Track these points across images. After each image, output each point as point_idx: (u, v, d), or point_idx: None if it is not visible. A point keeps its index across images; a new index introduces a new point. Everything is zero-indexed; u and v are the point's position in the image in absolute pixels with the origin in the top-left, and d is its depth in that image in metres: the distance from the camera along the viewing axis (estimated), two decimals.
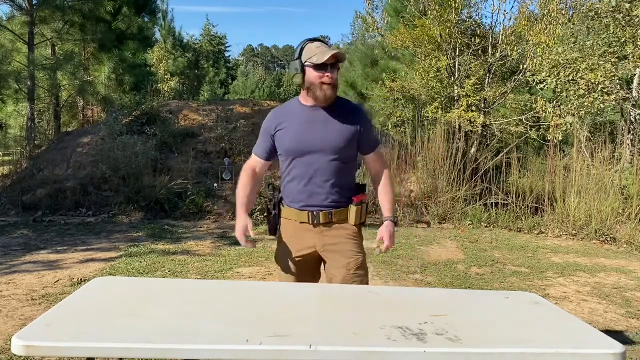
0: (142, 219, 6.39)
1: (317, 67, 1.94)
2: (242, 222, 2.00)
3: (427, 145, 7.20)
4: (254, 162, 2.14)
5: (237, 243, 5.71)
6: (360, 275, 2.05)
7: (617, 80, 7.26)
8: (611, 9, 6.95)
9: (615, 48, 7.12)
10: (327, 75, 1.94)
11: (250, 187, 2.10)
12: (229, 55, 31.74)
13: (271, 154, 2.12)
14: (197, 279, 3.91)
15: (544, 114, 7.60)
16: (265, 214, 2.20)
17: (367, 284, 2.10)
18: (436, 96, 8.44)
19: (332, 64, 1.94)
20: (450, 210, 6.85)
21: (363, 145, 2.07)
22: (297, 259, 2.07)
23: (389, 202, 2.10)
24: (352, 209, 2.03)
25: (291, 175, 2.06)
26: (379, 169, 2.12)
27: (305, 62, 1.96)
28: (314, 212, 2.02)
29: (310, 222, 2.03)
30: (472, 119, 7.67)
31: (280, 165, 2.12)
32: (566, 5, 7.90)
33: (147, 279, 3.62)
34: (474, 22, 8.71)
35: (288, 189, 2.08)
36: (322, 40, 2.02)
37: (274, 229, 2.15)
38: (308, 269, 2.11)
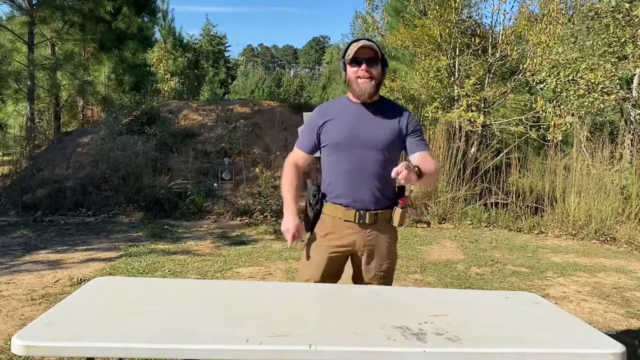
0: (142, 219, 6.39)
1: (352, 62, 1.97)
2: (292, 220, 2.03)
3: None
4: (297, 155, 2.13)
5: (237, 243, 5.70)
6: (386, 277, 2.08)
7: (617, 80, 7.26)
8: (611, 9, 6.95)
9: (615, 48, 7.11)
10: (361, 70, 1.95)
11: (296, 184, 2.10)
12: (229, 55, 31.75)
13: (314, 149, 2.10)
14: (197, 279, 3.90)
15: (544, 114, 7.60)
16: (304, 210, 2.14)
17: (390, 285, 2.12)
18: (436, 96, 8.45)
19: (368, 59, 1.95)
20: (450, 210, 6.85)
21: (412, 143, 2.03)
22: (330, 254, 2.05)
23: (428, 174, 1.89)
24: (397, 212, 2.02)
25: (337, 169, 2.03)
26: (430, 163, 1.96)
27: (344, 60, 2.01)
28: (361, 212, 2.00)
29: (356, 222, 2.01)
30: (472, 119, 7.67)
31: (324, 160, 2.09)
32: (566, 5, 7.90)
33: (147, 279, 3.62)
34: (474, 22, 8.71)
35: (332, 184, 2.06)
36: (367, 39, 2.02)
37: (312, 226, 2.12)
38: (336, 266, 2.09)
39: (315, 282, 2.07)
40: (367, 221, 2.00)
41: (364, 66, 1.95)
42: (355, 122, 2.01)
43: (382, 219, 2.03)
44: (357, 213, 2.00)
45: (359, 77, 1.96)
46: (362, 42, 1.95)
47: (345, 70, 2.02)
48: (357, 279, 2.12)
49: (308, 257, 2.12)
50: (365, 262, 2.07)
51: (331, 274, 2.08)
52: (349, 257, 2.12)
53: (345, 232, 2.04)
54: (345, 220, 2.02)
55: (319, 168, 2.14)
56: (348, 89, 2.05)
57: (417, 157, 2.01)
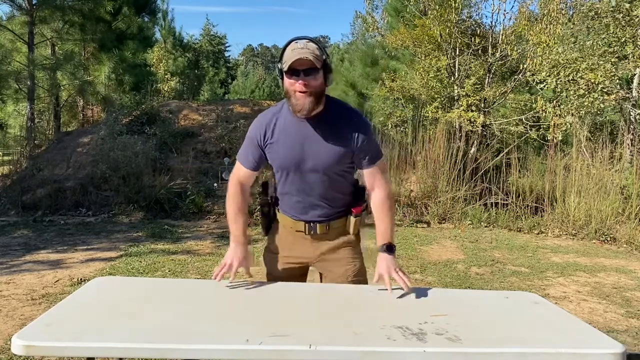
0: (142, 219, 6.39)
1: (289, 73, 1.68)
2: (239, 253, 1.93)
3: (427, 145, 7.20)
4: (241, 173, 1.94)
5: None
6: (360, 281, 2.00)
7: (617, 80, 7.26)
8: (611, 9, 6.95)
9: (615, 48, 7.12)
10: (299, 83, 1.67)
11: (243, 209, 1.97)
12: (229, 55, 31.76)
13: (260, 164, 1.91)
14: (197, 279, 3.90)
15: (544, 114, 7.60)
16: (259, 214, 2.08)
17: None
18: (436, 96, 8.45)
19: (306, 70, 1.66)
20: (450, 210, 6.85)
21: (359, 160, 1.84)
22: (285, 265, 2.00)
23: (384, 228, 1.87)
24: (352, 220, 1.92)
25: (285, 189, 1.92)
26: (375, 185, 1.87)
27: (281, 67, 1.70)
28: (311, 224, 1.90)
29: (307, 233, 1.92)
30: (472, 119, 7.67)
31: (275, 173, 1.96)
32: (566, 5, 7.90)
33: (147, 279, 3.62)
34: (474, 22, 8.72)
35: (283, 199, 1.96)
36: (309, 39, 1.72)
37: (267, 230, 2.08)
38: (293, 277, 2.01)
39: (272, 276, 2.04)
40: (318, 232, 1.91)
41: (300, 80, 1.66)
42: (299, 144, 1.79)
43: (334, 228, 1.93)
44: (307, 225, 1.91)
45: (297, 90, 1.68)
46: (298, 51, 1.65)
47: (282, 78, 1.73)
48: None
49: (265, 265, 2.07)
50: (327, 274, 1.99)
51: (289, 279, 2.02)
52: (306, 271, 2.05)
53: (298, 243, 1.95)
54: (296, 231, 1.94)
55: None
56: (287, 101, 1.78)
57: (366, 177, 1.88)
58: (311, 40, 1.72)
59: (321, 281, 2.07)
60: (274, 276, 2.04)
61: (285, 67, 1.67)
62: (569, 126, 7.20)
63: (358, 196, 1.94)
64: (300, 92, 1.68)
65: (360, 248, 2.02)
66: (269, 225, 2.07)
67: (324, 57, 1.70)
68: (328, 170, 1.82)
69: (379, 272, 1.85)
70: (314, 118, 1.76)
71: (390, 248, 1.87)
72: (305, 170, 1.82)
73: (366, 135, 1.81)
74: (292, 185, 1.88)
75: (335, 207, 1.91)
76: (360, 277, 2.00)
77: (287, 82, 1.70)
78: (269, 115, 1.87)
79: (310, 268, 2.08)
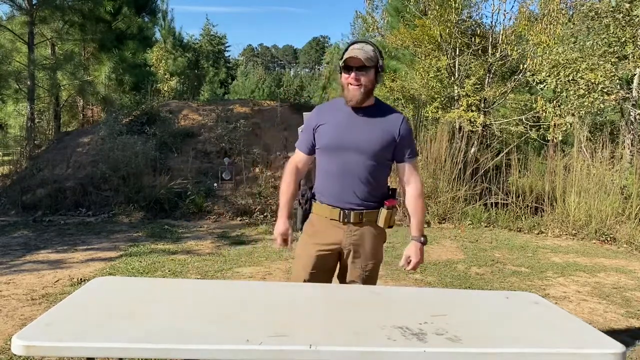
0: (142, 219, 6.39)
1: (344, 69, 2.01)
2: (282, 226, 2.14)
3: (427, 145, 7.19)
4: (297, 157, 2.19)
5: (237, 243, 5.71)
6: (369, 277, 2.11)
7: (617, 80, 7.25)
8: (611, 9, 6.95)
9: (615, 48, 7.11)
10: (351, 77, 1.98)
11: (293, 187, 2.17)
12: (229, 55, 31.78)
13: (313, 149, 2.15)
14: (197, 279, 3.91)
15: (544, 114, 7.60)
16: (295, 208, 2.24)
17: (374, 284, 2.16)
18: (436, 96, 8.44)
19: (358, 67, 1.97)
20: (451, 210, 6.84)
21: (398, 153, 2.08)
22: (319, 252, 2.10)
23: (417, 221, 2.12)
24: (383, 212, 2.06)
25: (326, 171, 2.09)
26: (411, 180, 2.11)
27: (340, 64, 2.04)
28: (346, 211, 2.05)
29: (341, 220, 2.06)
30: (472, 119, 7.67)
31: (317, 160, 2.15)
32: (566, 5, 7.90)
33: (147, 279, 3.62)
34: (474, 22, 8.70)
35: (321, 184, 2.12)
36: (365, 41, 2.05)
37: (301, 224, 2.20)
38: (326, 264, 2.12)
39: (304, 280, 2.11)
40: (352, 220, 2.05)
41: (353, 74, 1.98)
42: (345, 126, 2.05)
43: (367, 219, 2.07)
44: (342, 212, 2.05)
45: (349, 83, 2.00)
46: (354, 51, 1.98)
47: (340, 73, 2.06)
48: (342, 277, 2.16)
49: (298, 255, 2.18)
50: (350, 260, 2.10)
51: (321, 274, 2.12)
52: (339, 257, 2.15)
53: (331, 230, 2.08)
54: (331, 219, 2.07)
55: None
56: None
57: (402, 172, 2.12)
58: (369, 43, 2.04)
59: (340, 262, 2.17)
60: (306, 266, 2.12)
61: (341, 63, 2.01)
62: (569, 126, 7.19)
63: (392, 193, 2.13)
64: (352, 84, 1.99)
65: (383, 248, 2.16)
66: (306, 215, 2.19)
67: (378, 59, 2.01)
68: (370, 154, 2.02)
69: (408, 254, 2.11)
70: (364, 109, 2.05)
71: (423, 239, 2.11)
72: (350, 150, 2.03)
73: (408, 131, 2.08)
74: (334, 166, 2.06)
75: (370, 195, 2.06)
76: (371, 274, 2.12)
77: (343, 75, 2.03)
78: (323, 105, 2.24)
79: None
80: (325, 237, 2.09)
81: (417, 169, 2.15)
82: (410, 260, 2.10)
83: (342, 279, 2.17)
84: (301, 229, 2.19)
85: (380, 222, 2.07)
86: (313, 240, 2.12)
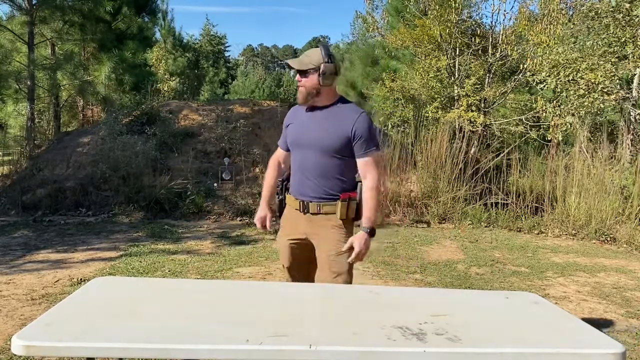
0: (142, 219, 6.39)
1: (296, 73, 2.21)
2: (259, 212, 2.38)
3: (428, 145, 7.20)
4: (278, 153, 2.42)
5: (237, 243, 5.72)
6: (340, 262, 2.15)
7: (617, 80, 7.25)
8: (611, 9, 6.95)
9: (615, 48, 7.11)
10: (297, 80, 2.21)
11: (272, 179, 2.40)
12: (229, 55, 31.80)
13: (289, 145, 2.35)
14: (197, 279, 3.91)
15: (544, 114, 7.60)
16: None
17: (347, 273, 2.18)
18: (436, 96, 8.44)
19: (300, 71, 2.17)
20: (451, 210, 6.84)
21: (354, 149, 2.17)
22: (290, 243, 2.29)
23: (365, 212, 2.17)
24: (339, 204, 2.17)
25: (293, 165, 2.30)
26: (366, 175, 2.18)
27: None
28: (305, 202, 2.21)
29: (301, 211, 2.22)
30: (472, 119, 7.67)
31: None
32: (566, 5, 7.90)
33: (147, 279, 3.62)
34: (474, 22, 8.70)
35: (291, 178, 2.32)
36: (322, 46, 2.21)
37: (279, 212, 2.40)
38: (300, 253, 2.28)
39: (285, 267, 2.35)
40: (310, 211, 2.21)
41: (297, 77, 2.19)
42: (302, 125, 2.25)
43: (325, 211, 2.20)
44: (302, 203, 2.23)
45: (298, 86, 2.21)
46: (289, 59, 2.25)
47: None
48: (317, 265, 2.26)
49: (278, 244, 2.39)
50: (316, 249, 2.23)
51: (299, 262, 2.31)
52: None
53: (296, 220, 2.26)
54: (295, 209, 2.26)
55: None
56: None
57: (359, 167, 2.20)
58: (320, 47, 2.19)
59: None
60: (285, 254, 2.33)
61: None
62: (569, 126, 7.19)
63: (351, 187, 2.23)
64: (299, 87, 2.20)
65: (347, 238, 2.19)
66: (281, 206, 2.39)
67: (320, 63, 2.13)
68: (322, 150, 2.16)
69: (350, 242, 2.15)
70: (321, 108, 2.21)
71: (369, 230, 2.15)
72: (305, 147, 2.21)
73: (363, 127, 2.16)
74: (295, 161, 2.27)
75: (327, 190, 2.19)
76: (338, 264, 2.16)
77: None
78: (296, 107, 2.39)
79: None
80: (292, 226, 2.28)
81: (375, 164, 2.20)
82: (354, 247, 2.13)
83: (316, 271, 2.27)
84: (279, 216, 2.40)
85: (337, 214, 2.17)
86: (284, 232, 2.34)
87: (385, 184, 6.84)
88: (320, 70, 2.13)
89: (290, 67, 2.23)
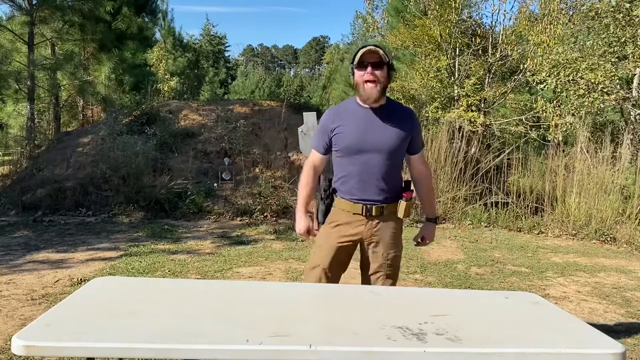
0: (142, 219, 6.39)
1: (358, 67, 2.07)
2: (304, 222, 2.22)
3: (428, 145, 7.19)
4: (314, 157, 2.27)
5: (237, 243, 5.71)
6: (393, 266, 2.22)
7: (617, 80, 7.26)
8: (611, 9, 6.95)
9: (615, 48, 7.12)
10: (367, 73, 2.03)
11: (311, 186, 2.27)
12: (229, 55, 31.80)
13: (328, 149, 2.24)
14: (197, 279, 3.91)
15: (544, 114, 7.60)
16: (317, 203, 2.38)
17: (397, 276, 2.26)
18: (436, 96, 8.44)
19: (374, 63, 2.03)
20: (451, 210, 6.84)
21: (412, 147, 2.21)
22: (340, 243, 2.19)
23: (430, 204, 2.33)
24: (402, 204, 2.17)
25: (347, 171, 2.18)
26: (423, 170, 2.28)
27: (353, 65, 2.11)
28: (368, 206, 2.15)
29: (364, 214, 2.16)
30: (472, 119, 7.67)
31: (336, 160, 2.24)
32: (566, 5, 7.90)
33: (147, 279, 3.62)
34: (474, 22, 8.71)
35: (343, 183, 2.20)
36: (375, 45, 2.12)
37: (323, 219, 2.28)
38: (343, 256, 2.22)
39: (322, 268, 2.19)
40: (373, 213, 2.16)
41: (369, 69, 2.03)
42: (364, 127, 2.12)
43: (387, 212, 2.18)
44: (364, 206, 2.16)
45: (366, 81, 2.04)
46: (369, 47, 2.05)
47: (353, 74, 2.12)
48: (365, 266, 2.25)
49: (318, 245, 2.26)
50: (372, 250, 2.20)
51: (339, 263, 2.22)
52: (357, 247, 2.25)
53: (353, 223, 2.18)
54: (353, 213, 2.17)
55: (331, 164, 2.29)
56: (356, 93, 2.16)
57: (414, 163, 2.27)
58: (378, 46, 2.11)
59: (361, 254, 2.27)
60: (324, 255, 2.21)
61: (357, 60, 2.05)
62: (569, 126, 7.19)
63: (406, 185, 2.24)
64: (368, 81, 2.04)
65: (401, 238, 2.26)
66: (327, 209, 2.28)
67: (389, 57, 2.08)
68: (389, 152, 2.12)
69: (422, 233, 2.34)
70: (378, 108, 2.12)
71: (436, 219, 2.34)
72: (370, 151, 2.11)
73: (418, 125, 2.23)
74: (355, 167, 2.15)
75: (389, 190, 2.17)
76: (394, 263, 2.22)
77: (357, 74, 2.08)
78: (337, 107, 2.29)
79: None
80: (347, 228, 2.19)
81: (425, 159, 2.32)
82: (424, 238, 2.32)
83: (365, 269, 2.25)
84: (323, 222, 2.27)
85: (400, 214, 2.18)
86: (335, 232, 2.21)
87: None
88: (391, 65, 2.08)
89: (362, 62, 2.04)
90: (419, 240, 2.35)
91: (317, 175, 2.28)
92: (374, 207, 2.15)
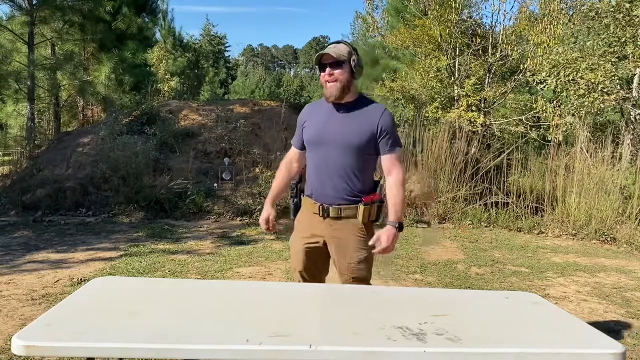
0: (142, 219, 6.39)
1: (319, 68, 2.10)
2: (264, 213, 2.32)
3: (428, 145, 7.19)
4: (291, 152, 2.33)
5: (237, 243, 5.71)
6: (362, 269, 2.11)
7: (617, 80, 7.26)
8: (611, 9, 6.95)
9: (615, 48, 7.12)
10: (326, 73, 2.07)
11: (282, 179, 2.32)
12: (229, 55, 31.81)
13: (303, 145, 2.26)
14: (197, 279, 3.91)
15: (544, 114, 7.60)
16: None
17: (368, 278, 2.15)
18: (436, 96, 8.44)
19: (330, 64, 2.06)
20: (451, 210, 6.84)
21: (378, 146, 2.11)
22: (306, 246, 2.19)
23: (393, 207, 2.11)
24: (360, 208, 2.08)
25: (309, 166, 2.18)
26: (392, 172, 2.12)
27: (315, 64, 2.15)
28: (325, 206, 2.11)
29: (321, 215, 2.13)
30: (472, 119, 7.67)
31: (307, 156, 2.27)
32: (566, 5, 7.90)
33: (147, 279, 3.62)
34: (474, 22, 8.70)
35: (308, 179, 2.21)
36: (338, 41, 2.13)
37: (293, 216, 2.31)
38: (315, 258, 2.19)
39: (299, 271, 2.23)
40: (330, 215, 2.11)
41: (327, 70, 2.06)
42: (325, 120, 2.14)
43: (346, 215, 2.11)
44: (321, 207, 2.12)
45: (326, 80, 2.08)
46: (325, 50, 2.08)
47: (320, 74, 2.15)
48: (337, 271, 2.21)
49: (291, 247, 2.31)
50: (335, 254, 2.16)
51: (314, 266, 2.20)
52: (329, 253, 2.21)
53: (314, 224, 2.16)
54: (313, 213, 2.16)
55: None
56: None
57: (383, 164, 2.15)
58: (342, 42, 2.11)
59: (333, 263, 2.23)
60: (297, 257, 2.24)
61: (315, 63, 2.10)
62: (569, 126, 7.19)
63: (371, 189, 2.15)
64: (329, 81, 2.07)
65: (368, 241, 2.12)
66: (296, 208, 2.30)
67: (351, 54, 2.07)
68: (348, 148, 2.06)
69: (377, 236, 2.07)
70: (344, 105, 2.12)
71: (398, 226, 2.08)
72: (327, 145, 2.10)
73: (388, 123, 2.10)
74: (313, 161, 2.16)
75: (348, 191, 2.09)
76: (362, 266, 2.11)
77: (321, 75, 2.11)
78: (312, 103, 2.33)
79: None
80: (309, 229, 2.18)
81: (400, 161, 2.15)
82: (381, 242, 2.05)
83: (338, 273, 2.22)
84: (294, 219, 2.30)
85: (359, 218, 2.09)
86: (300, 235, 2.22)
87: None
88: (354, 62, 2.07)
89: (319, 65, 2.09)
90: (374, 242, 2.08)
91: (292, 169, 2.32)
92: (330, 208, 2.10)
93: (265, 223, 2.31)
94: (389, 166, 2.11)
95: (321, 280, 2.25)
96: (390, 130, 2.10)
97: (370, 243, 2.06)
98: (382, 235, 2.05)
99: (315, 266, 2.21)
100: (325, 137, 2.10)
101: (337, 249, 2.13)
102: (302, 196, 2.25)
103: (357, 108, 2.11)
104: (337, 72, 2.05)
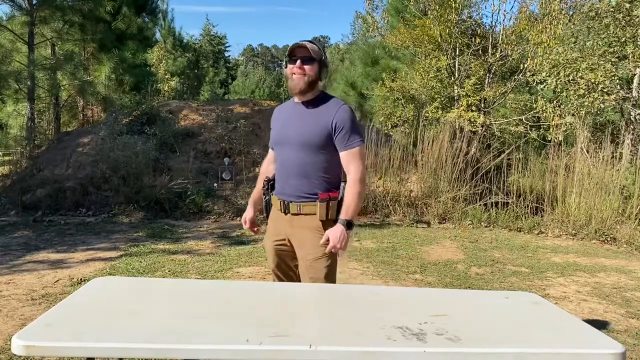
0: (142, 219, 6.39)
1: (290, 60, 2.10)
2: (246, 213, 2.37)
3: (428, 145, 7.20)
4: (269, 153, 2.36)
5: (237, 243, 5.71)
6: (318, 269, 2.07)
7: (617, 80, 7.26)
8: (611, 9, 6.95)
9: (615, 48, 7.12)
10: (297, 66, 2.06)
11: (261, 180, 2.34)
12: (229, 55, 31.82)
13: None
14: (197, 279, 3.91)
15: (544, 114, 7.60)
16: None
17: (329, 278, 2.10)
18: (436, 96, 8.44)
19: (303, 57, 2.06)
20: (451, 210, 6.84)
21: (337, 143, 2.07)
22: (274, 245, 2.22)
23: (345, 205, 2.06)
24: (317, 205, 2.08)
25: (277, 165, 2.22)
26: (349, 169, 2.08)
27: (285, 59, 2.15)
28: (285, 202, 2.13)
29: (282, 211, 2.15)
30: (472, 119, 7.67)
31: None
32: (567, 5, 7.90)
33: (147, 279, 3.62)
34: (474, 22, 8.70)
35: (275, 177, 2.24)
36: (311, 41, 2.13)
37: (266, 214, 2.33)
38: (285, 258, 2.22)
39: (272, 270, 2.28)
40: (291, 211, 2.12)
41: (298, 63, 2.06)
42: (285, 120, 2.18)
43: (306, 212, 2.10)
44: (282, 202, 2.15)
45: (293, 73, 2.07)
46: (300, 42, 2.09)
47: (286, 66, 2.13)
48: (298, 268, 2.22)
49: (264, 245, 2.33)
50: (297, 251, 2.15)
51: (284, 265, 2.22)
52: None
53: (279, 222, 2.19)
54: (277, 210, 2.19)
55: None
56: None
57: (342, 159, 2.10)
58: (313, 42, 2.12)
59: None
60: (269, 255, 2.28)
61: (287, 54, 2.09)
62: (569, 126, 7.20)
63: (334, 187, 2.13)
64: (296, 74, 2.06)
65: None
66: (267, 206, 2.31)
67: (322, 54, 2.10)
68: (302, 146, 2.07)
69: (326, 234, 2.04)
70: (305, 103, 2.12)
71: (347, 223, 2.04)
72: (286, 144, 2.13)
73: (344, 119, 2.06)
74: (277, 160, 2.20)
75: (307, 188, 2.10)
76: (318, 266, 2.08)
77: (288, 67, 2.10)
78: (279, 106, 2.37)
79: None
80: (276, 227, 2.21)
81: (358, 157, 2.08)
82: (329, 241, 2.02)
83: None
84: (267, 217, 2.32)
85: (317, 215, 2.08)
86: (269, 233, 2.26)
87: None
88: (323, 62, 2.09)
89: (290, 57, 2.09)
90: (323, 242, 2.05)
91: (270, 170, 2.32)
92: (290, 204, 2.11)
93: (245, 223, 2.37)
94: (345, 163, 2.08)
95: (295, 279, 2.24)
96: (348, 126, 2.05)
97: (320, 243, 2.04)
98: (330, 233, 2.02)
99: (286, 265, 2.23)
100: (285, 137, 2.14)
101: (297, 247, 2.13)
102: (271, 194, 2.27)
103: (316, 106, 2.11)
104: (307, 67, 2.06)
